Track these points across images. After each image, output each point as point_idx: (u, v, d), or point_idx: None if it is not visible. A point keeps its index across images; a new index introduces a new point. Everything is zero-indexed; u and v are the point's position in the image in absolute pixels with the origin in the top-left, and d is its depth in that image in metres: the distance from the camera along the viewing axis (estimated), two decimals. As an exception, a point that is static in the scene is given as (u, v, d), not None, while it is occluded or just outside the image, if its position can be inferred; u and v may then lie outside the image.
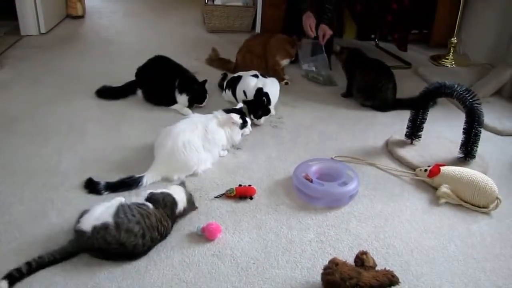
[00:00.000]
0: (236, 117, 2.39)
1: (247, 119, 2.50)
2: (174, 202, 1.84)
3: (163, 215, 1.77)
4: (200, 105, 2.92)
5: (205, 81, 2.94)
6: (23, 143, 2.45)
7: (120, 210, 1.70)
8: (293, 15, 3.64)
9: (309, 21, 3.42)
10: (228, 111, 2.45)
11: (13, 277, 1.56)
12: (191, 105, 2.90)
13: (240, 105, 2.60)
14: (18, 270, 1.57)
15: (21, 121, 2.67)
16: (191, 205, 1.92)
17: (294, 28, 3.57)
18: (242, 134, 2.46)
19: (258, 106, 2.73)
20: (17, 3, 4.01)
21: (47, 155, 2.35)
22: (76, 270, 1.64)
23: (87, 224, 1.65)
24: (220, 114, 2.41)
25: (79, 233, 1.66)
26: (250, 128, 2.51)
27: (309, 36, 3.45)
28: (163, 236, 1.76)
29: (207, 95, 2.95)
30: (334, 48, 3.34)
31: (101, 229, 1.63)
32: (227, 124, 2.39)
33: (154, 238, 1.71)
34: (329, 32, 3.44)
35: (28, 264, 1.59)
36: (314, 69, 3.51)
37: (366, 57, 3.19)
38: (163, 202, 1.80)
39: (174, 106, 2.90)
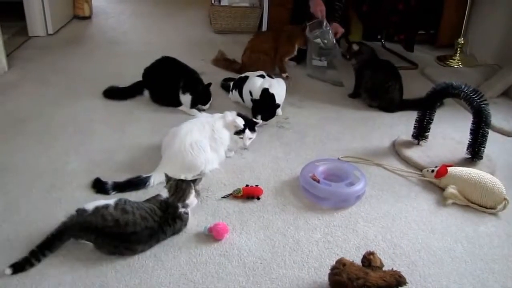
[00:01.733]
0: (239, 121, 2.38)
1: (248, 133, 2.42)
2: (157, 195, 1.88)
3: (145, 204, 1.81)
4: (204, 107, 2.91)
5: (210, 84, 2.92)
6: (31, 143, 2.46)
7: (121, 199, 1.79)
8: (300, 15, 3.64)
9: (318, 6, 3.40)
10: (240, 115, 2.44)
11: (19, 265, 1.62)
12: (194, 105, 2.89)
13: (259, 121, 2.58)
14: (24, 259, 1.63)
15: (29, 122, 2.68)
16: (184, 186, 1.90)
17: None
18: (236, 142, 2.42)
19: (261, 108, 2.73)
20: (25, 4, 4.04)
21: (55, 155, 2.37)
22: (85, 269, 1.65)
23: (91, 205, 1.72)
24: (231, 115, 2.41)
25: (79, 211, 1.70)
26: (246, 144, 2.43)
27: (317, 18, 3.42)
28: (152, 216, 1.75)
29: (211, 97, 2.94)
30: (353, 47, 3.19)
31: (102, 208, 1.70)
32: (230, 126, 2.39)
33: (143, 217, 1.72)
34: (341, 30, 3.46)
35: (31, 252, 1.65)
36: (326, 63, 3.50)
37: (377, 58, 3.18)
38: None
39: (182, 107, 2.91)
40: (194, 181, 1.94)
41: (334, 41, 3.41)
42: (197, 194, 1.93)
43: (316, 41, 3.39)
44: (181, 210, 1.83)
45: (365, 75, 3.09)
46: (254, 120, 2.52)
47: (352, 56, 3.17)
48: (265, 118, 2.73)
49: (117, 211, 1.70)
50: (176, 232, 1.83)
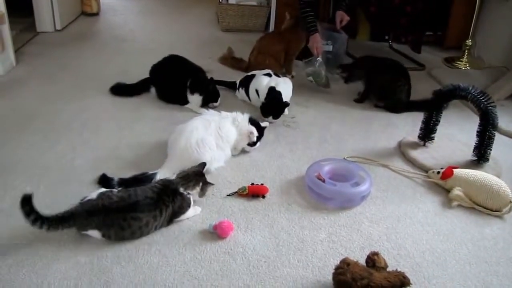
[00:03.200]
0: (255, 134, 2.39)
1: (258, 143, 2.45)
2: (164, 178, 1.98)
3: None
4: (215, 104, 2.91)
5: (212, 79, 2.92)
6: (38, 139, 2.47)
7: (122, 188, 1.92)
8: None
9: (316, 43, 3.37)
10: (253, 122, 2.44)
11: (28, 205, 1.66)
12: (205, 104, 2.88)
13: (266, 124, 2.56)
14: (35, 212, 1.66)
15: (36, 117, 2.70)
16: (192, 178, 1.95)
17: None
18: (243, 148, 2.45)
19: (271, 107, 2.74)
20: (33, 0, 4.06)
21: (62, 151, 2.38)
22: (90, 264, 1.66)
23: (94, 194, 1.79)
24: (245, 119, 2.42)
25: (84, 199, 1.77)
26: (256, 146, 2.46)
27: (313, 54, 3.41)
28: (152, 189, 1.84)
29: (219, 93, 2.94)
30: (340, 76, 3.25)
31: (107, 191, 1.80)
32: (243, 131, 2.39)
33: (143, 189, 1.83)
34: (346, 18, 3.46)
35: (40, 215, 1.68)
36: (331, 48, 3.49)
37: (379, 59, 3.17)
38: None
39: (188, 105, 2.91)
40: (203, 177, 1.97)
41: (327, 81, 3.37)
42: (203, 191, 1.96)
43: (308, 79, 3.40)
44: (182, 190, 1.87)
45: (372, 79, 3.08)
46: (262, 126, 2.51)
47: (347, 81, 3.23)
48: (276, 117, 2.75)
49: (119, 192, 1.81)
50: (177, 210, 1.86)
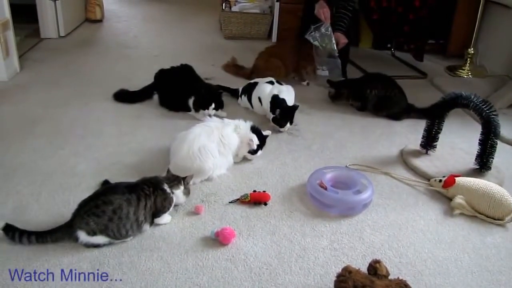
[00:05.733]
0: (255, 142, 2.39)
1: (260, 152, 2.45)
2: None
3: None
4: (204, 111, 2.83)
5: (221, 92, 2.91)
6: (41, 145, 2.48)
7: None
8: (310, 22, 3.65)
9: (322, 8, 3.34)
10: (255, 130, 2.44)
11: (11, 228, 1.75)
12: (196, 109, 2.85)
13: (268, 132, 2.55)
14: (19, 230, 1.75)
15: (39, 123, 2.71)
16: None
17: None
18: (244, 156, 2.45)
19: (284, 118, 2.75)
20: (38, 7, 4.10)
21: (64, 157, 2.38)
22: (91, 270, 1.66)
23: None
24: (247, 127, 2.42)
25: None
26: (257, 154, 2.46)
27: (321, 21, 3.36)
28: (132, 182, 1.90)
29: (213, 103, 2.83)
30: (329, 92, 3.26)
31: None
32: (244, 139, 2.39)
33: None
34: (343, 41, 3.41)
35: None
36: (327, 73, 3.50)
37: (362, 78, 3.25)
38: None
39: (191, 113, 2.90)
40: (183, 178, 2.00)
41: (335, 47, 3.35)
42: (187, 191, 2.00)
43: (314, 43, 3.36)
44: (166, 187, 1.90)
45: (364, 98, 3.10)
46: (264, 134, 2.50)
47: (333, 99, 3.23)
48: (291, 123, 2.78)
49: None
50: (159, 205, 1.86)
